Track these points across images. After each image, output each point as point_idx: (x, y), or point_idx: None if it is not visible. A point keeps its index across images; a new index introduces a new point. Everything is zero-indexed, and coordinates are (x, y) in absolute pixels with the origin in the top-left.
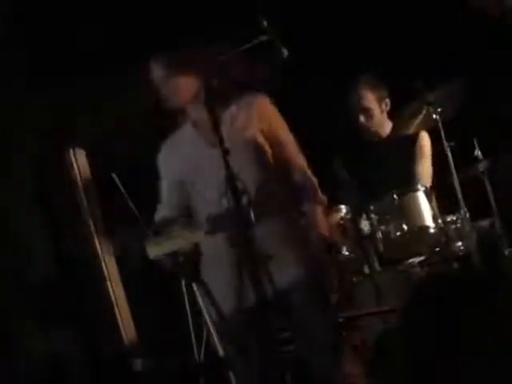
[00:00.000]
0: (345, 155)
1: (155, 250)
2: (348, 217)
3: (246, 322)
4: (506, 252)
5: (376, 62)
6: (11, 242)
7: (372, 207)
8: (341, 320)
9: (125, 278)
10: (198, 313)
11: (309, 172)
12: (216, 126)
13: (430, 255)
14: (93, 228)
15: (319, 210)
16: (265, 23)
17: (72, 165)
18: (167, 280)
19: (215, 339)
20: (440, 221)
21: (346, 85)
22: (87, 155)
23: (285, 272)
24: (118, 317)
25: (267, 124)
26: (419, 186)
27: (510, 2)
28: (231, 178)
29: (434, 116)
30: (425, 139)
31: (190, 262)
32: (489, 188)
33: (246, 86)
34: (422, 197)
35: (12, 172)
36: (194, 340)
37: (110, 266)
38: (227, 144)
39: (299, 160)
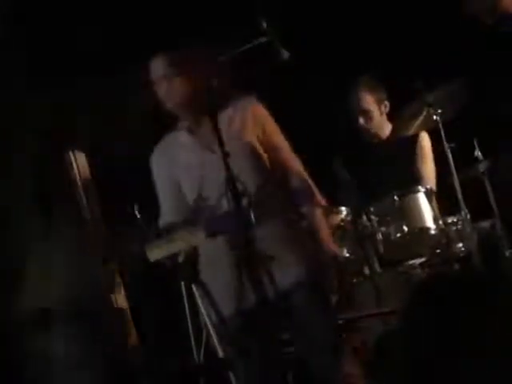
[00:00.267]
0: (345, 156)
1: (155, 253)
2: (348, 218)
3: (246, 323)
4: (507, 253)
5: (375, 63)
6: (11, 241)
7: (372, 208)
8: (341, 321)
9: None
10: (197, 314)
11: (305, 175)
12: (216, 127)
13: (431, 256)
14: (94, 228)
15: (318, 213)
16: (264, 24)
17: (72, 165)
18: (167, 281)
19: (215, 340)
20: (441, 222)
21: (346, 85)
22: (87, 156)
23: (285, 273)
24: (120, 317)
25: (262, 128)
26: (420, 187)
27: (502, 9)
28: (231, 180)
29: (435, 117)
30: (425, 140)
31: (189, 264)
32: (489, 189)
33: (243, 88)
34: (422, 198)
35: (12, 172)
36: (193, 341)
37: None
38: (226, 146)
39: (295, 164)
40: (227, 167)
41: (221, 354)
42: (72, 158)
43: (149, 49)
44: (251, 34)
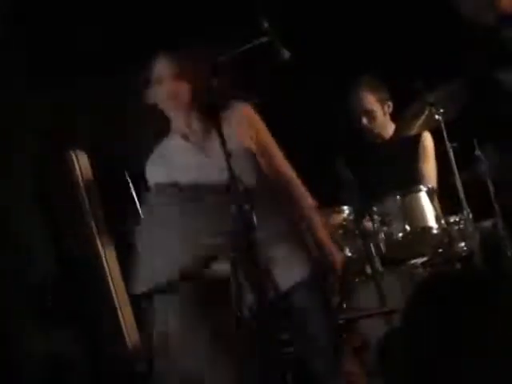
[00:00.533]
0: (348, 156)
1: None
2: (351, 218)
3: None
4: (509, 253)
5: (376, 63)
6: (12, 242)
7: (375, 208)
8: (342, 321)
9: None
10: None
11: (297, 180)
12: (219, 128)
13: (433, 256)
14: (95, 229)
15: (315, 214)
16: (265, 24)
17: (73, 165)
18: None
19: None
20: (443, 221)
21: (348, 85)
22: (88, 156)
23: (286, 273)
24: (121, 318)
25: (255, 130)
26: (422, 187)
27: (499, 9)
28: (233, 181)
29: (437, 117)
30: (428, 139)
31: None
32: (491, 188)
33: (243, 88)
34: (424, 197)
35: (12, 172)
36: None
37: (111, 267)
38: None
39: (287, 169)
40: (229, 167)
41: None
42: (74, 158)
43: (149, 49)
44: (252, 34)
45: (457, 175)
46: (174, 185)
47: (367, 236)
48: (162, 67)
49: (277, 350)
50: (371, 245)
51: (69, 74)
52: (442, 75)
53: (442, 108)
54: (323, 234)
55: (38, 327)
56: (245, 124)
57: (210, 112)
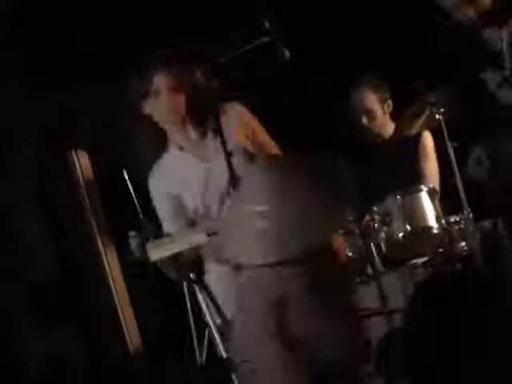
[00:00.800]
0: (348, 155)
1: (156, 253)
2: (351, 218)
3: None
4: (510, 252)
5: (378, 62)
6: (12, 242)
7: (375, 208)
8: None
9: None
10: (199, 315)
11: None
12: (220, 127)
13: (434, 256)
14: (96, 229)
15: None
16: (266, 24)
17: (74, 165)
18: (169, 281)
19: (217, 342)
20: (443, 221)
21: (348, 85)
22: (89, 156)
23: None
24: (121, 318)
25: (251, 132)
26: (422, 187)
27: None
28: (234, 180)
29: (437, 116)
30: (428, 139)
31: (191, 265)
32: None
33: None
34: (425, 197)
35: (13, 172)
36: (195, 342)
37: (112, 267)
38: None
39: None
40: (230, 167)
41: (224, 354)
42: (75, 158)
43: (149, 49)
44: (253, 35)
45: (457, 175)
46: None
47: (368, 236)
48: (160, 79)
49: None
50: (372, 245)
51: (69, 74)
52: (441, 75)
53: (443, 107)
54: None
55: (38, 327)
56: (240, 124)
57: (206, 115)
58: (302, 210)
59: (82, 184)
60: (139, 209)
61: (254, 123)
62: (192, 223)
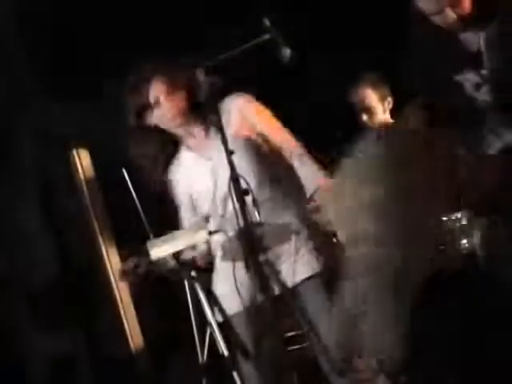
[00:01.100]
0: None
1: (157, 251)
2: None
3: (251, 321)
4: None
5: (378, 61)
6: (13, 241)
7: None
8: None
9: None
10: (201, 313)
11: (307, 157)
12: (221, 126)
13: (435, 253)
14: (97, 229)
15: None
16: (267, 22)
17: (76, 165)
18: (170, 280)
19: (219, 339)
20: (444, 218)
21: (348, 83)
22: (91, 155)
23: (293, 269)
24: (123, 317)
25: (254, 123)
26: None
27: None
28: (235, 179)
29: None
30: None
31: (192, 264)
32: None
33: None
34: None
35: (14, 172)
36: (197, 340)
37: (114, 267)
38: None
39: (295, 148)
40: (231, 166)
41: (225, 353)
42: (76, 157)
43: (150, 47)
44: (254, 32)
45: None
46: None
47: None
48: (156, 89)
49: (282, 348)
50: None
51: (70, 74)
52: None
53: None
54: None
55: (40, 328)
56: (242, 117)
57: (207, 113)
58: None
59: (83, 182)
60: (140, 209)
61: (257, 113)
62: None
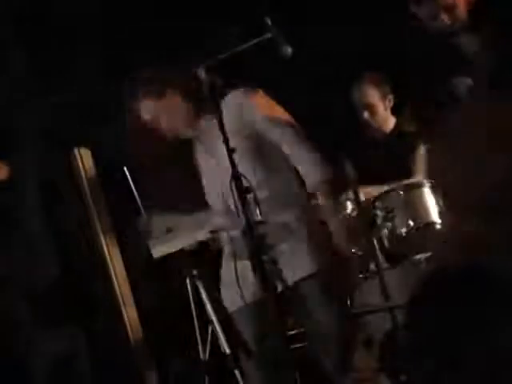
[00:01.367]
0: (349, 151)
1: (159, 250)
2: (354, 214)
3: (254, 318)
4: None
5: (379, 59)
6: (15, 242)
7: (377, 203)
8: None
9: (130, 277)
10: (203, 311)
11: (310, 151)
12: (221, 124)
13: (437, 251)
14: (99, 227)
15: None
16: (268, 20)
17: (77, 163)
18: (172, 278)
19: (220, 337)
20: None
21: (349, 82)
22: (93, 154)
23: (294, 267)
24: (125, 316)
25: (256, 114)
26: (424, 182)
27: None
28: (237, 177)
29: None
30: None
31: (194, 260)
32: None
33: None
34: (427, 192)
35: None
36: (198, 338)
37: (116, 265)
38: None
39: (299, 143)
40: (233, 164)
41: (227, 350)
42: (78, 156)
43: (150, 45)
44: (255, 31)
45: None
46: None
47: (371, 231)
48: (146, 111)
49: (285, 346)
50: (375, 240)
51: (70, 73)
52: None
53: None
54: (335, 226)
55: (42, 327)
56: (241, 115)
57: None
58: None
59: (85, 181)
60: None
61: (260, 108)
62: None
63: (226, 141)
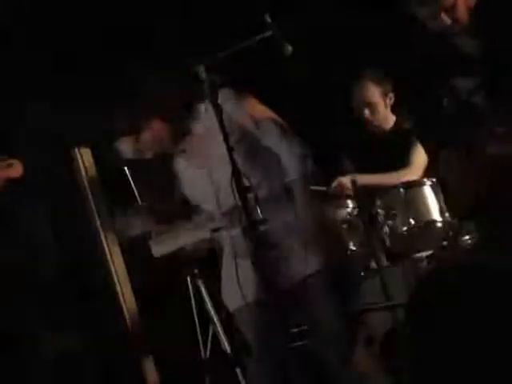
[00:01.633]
0: (350, 150)
1: (160, 248)
2: (355, 212)
3: (255, 316)
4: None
5: (380, 57)
6: (17, 240)
7: (378, 202)
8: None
9: (131, 276)
10: (204, 310)
11: (289, 143)
12: (221, 122)
13: (438, 249)
14: (99, 226)
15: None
16: (268, 19)
17: (78, 162)
18: (173, 277)
19: (221, 336)
20: (447, 214)
21: (350, 80)
22: (93, 153)
23: (301, 263)
24: (126, 315)
25: (251, 113)
26: (425, 180)
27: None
28: (237, 176)
29: None
30: None
31: (195, 260)
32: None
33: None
34: (428, 190)
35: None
36: (199, 337)
37: (116, 264)
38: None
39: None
40: (233, 163)
41: (228, 349)
42: (78, 155)
43: (151, 44)
44: (255, 29)
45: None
46: None
47: (371, 230)
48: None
49: (286, 344)
50: (375, 239)
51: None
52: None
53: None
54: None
55: (43, 326)
56: (242, 110)
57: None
58: None
59: (85, 181)
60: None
61: (253, 109)
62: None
63: (225, 138)
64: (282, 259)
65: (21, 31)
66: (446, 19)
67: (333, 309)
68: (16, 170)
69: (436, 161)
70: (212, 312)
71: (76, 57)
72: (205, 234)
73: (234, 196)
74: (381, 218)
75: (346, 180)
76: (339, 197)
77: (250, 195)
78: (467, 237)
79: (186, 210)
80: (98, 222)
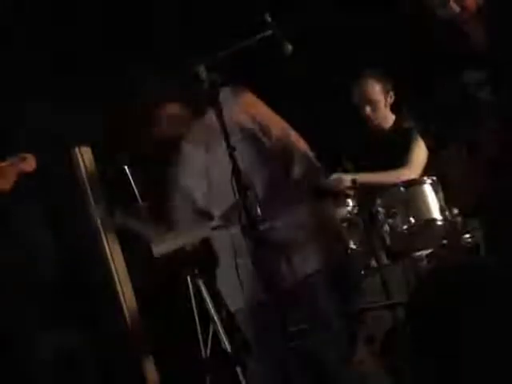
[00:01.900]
0: (350, 151)
1: (161, 248)
2: (355, 211)
3: (256, 316)
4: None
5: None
6: (17, 240)
7: (379, 200)
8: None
9: (131, 275)
10: (204, 309)
11: (307, 155)
12: (222, 121)
13: (438, 248)
14: (100, 226)
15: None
16: (268, 18)
17: (78, 162)
18: (173, 277)
19: (222, 335)
20: (447, 213)
21: (350, 81)
22: (93, 152)
23: (304, 260)
24: (126, 314)
25: (252, 116)
26: (425, 179)
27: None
28: (237, 175)
29: None
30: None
31: (196, 259)
32: None
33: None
34: (428, 189)
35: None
36: (200, 336)
37: (117, 264)
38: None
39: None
40: (233, 162)
41: (228, 348)
42: (78, 154)
43: (151, 43)
44: (255, 28)
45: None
46: None
47: (372, 228)
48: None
49: (287, 343)
50: (375, 237)
51: (71, 73)
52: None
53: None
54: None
55: (43, 326)
56: (240, 112)
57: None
58: None
59: (86, 179)
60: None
61: (258, 108)
62: (202, 213)
63: (226, 137)
64: (282, 259)
65: (21, 31)
66: (454, 7)
67: (333, 308)
68: (29, 164)
69: (436, 159)
70: (212, 311)
71: (76, 57)
72: (206, 233)
73: (234, 194)
74: (381, 217)
75: (345, 177)
76: (339, 195)
77: (250, 194)
78: (467, 235)
79: (186, 210)
80: (98, 221)
